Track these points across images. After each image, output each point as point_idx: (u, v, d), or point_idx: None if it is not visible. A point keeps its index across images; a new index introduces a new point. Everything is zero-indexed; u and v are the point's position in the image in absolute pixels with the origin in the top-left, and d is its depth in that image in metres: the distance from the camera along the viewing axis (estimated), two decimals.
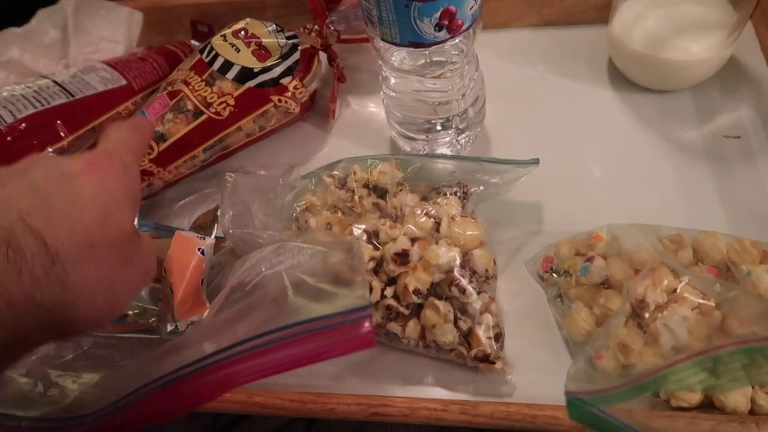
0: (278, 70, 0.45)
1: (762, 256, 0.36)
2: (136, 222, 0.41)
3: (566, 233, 0.39)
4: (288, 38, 0.46)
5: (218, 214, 0.38)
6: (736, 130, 0.44)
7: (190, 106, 0.43)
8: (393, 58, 0.40)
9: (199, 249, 0.35)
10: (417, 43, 0.36)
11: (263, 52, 0.44)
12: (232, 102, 0.44)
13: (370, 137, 0.49)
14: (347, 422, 0.36)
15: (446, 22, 0.35)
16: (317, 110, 0.51)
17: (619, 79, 0.48)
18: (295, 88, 0.45)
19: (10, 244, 0.20)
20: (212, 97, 0.44)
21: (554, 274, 0.38)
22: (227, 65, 0.44)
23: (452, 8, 0.34)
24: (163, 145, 0.43)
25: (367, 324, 0.24)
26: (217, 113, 0.44)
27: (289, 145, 0.50)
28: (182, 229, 0.37)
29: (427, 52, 0.39)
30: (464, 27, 0.36)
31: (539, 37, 0.52)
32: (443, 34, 0.35)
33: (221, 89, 0.44)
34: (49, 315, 0.21)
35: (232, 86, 0.44)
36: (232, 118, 0.44)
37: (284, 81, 0.45)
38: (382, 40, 0.37)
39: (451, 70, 0.39)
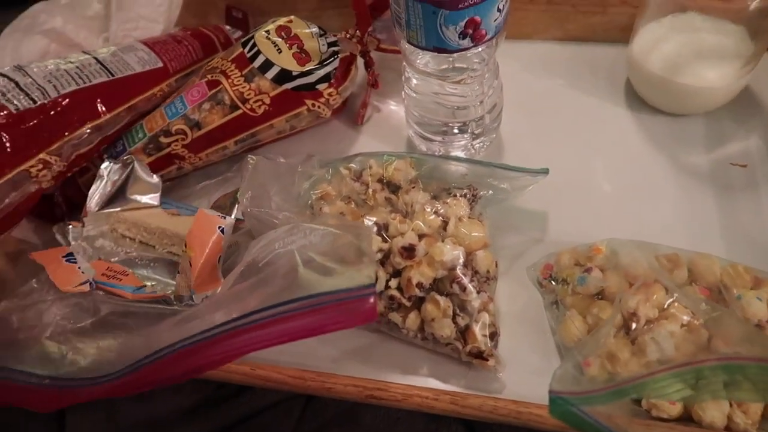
0: (316, 76, 0.46)
1: (754, 282, 0.37)
2: (158, 200, 0.43)
3: (568, 243, 0.41)
4: (329, 44, 0.47)
5: (238, 195, 0.40)
6: (744, 159, 0.45)
7: (227, 99, 0.45)
8: (417, 61, 0.41)
9: (219, 227, 0.37)
10: (441, 48, 0.37)
11: (304, 55, 0.46)
12: (267, 101, 0.45)
13: (388, 134, 0.51)
14: (341, 403, 0.38)
15: (470, 31, 0.36)
16: (348, 108, 0.53)
17: (635, 99, 0.50)
18: (329, 95, 0.47)
19: None
20: (249, 94, 0.45)
21: (553, 282, 0.40)
22: (268, 64, 0.45)
23: (477, 18, 0.36)
24: (198, 133, 0.45)
25: (371, 300, 0.26)
26: (252, 110, 0.45)
27: (313, 138, 0.51)
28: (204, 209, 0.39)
29: (450, 57, 0.41)
30: (487, 37, 0.37)
31: (561, 51, 0.54)
32: (467, 42, 0.37)
33: (259, 87, 0.45)
34: None
35: (269, 86, 0.45)
36: (265, 116, 0.46)
37: (320, 87, 0.46)
38: (408, 42, 0.39)
39: (472, 77, 0.41)
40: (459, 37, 0.37)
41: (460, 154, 0.47)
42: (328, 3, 0.56)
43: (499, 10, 0.37)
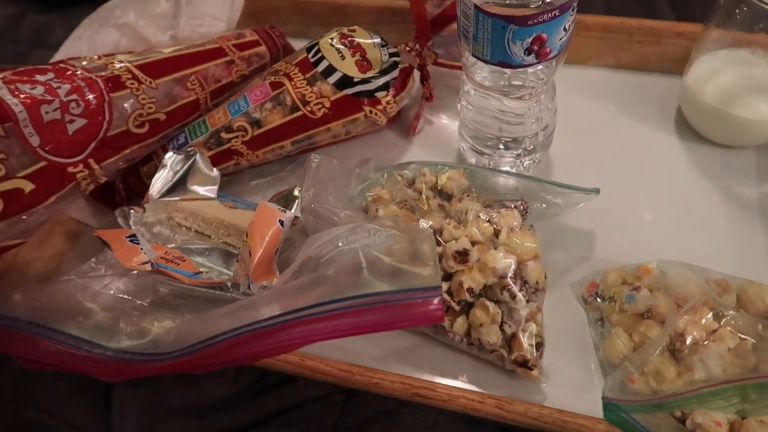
0: (375, 84, 0.47)
1: None
2: (216, 193, 0.44)
3: (614, 263, 0.41)
4: (391, 55, 0.48)
5: (295, 192, 0.41)
6: None
7: (288, 101, 0.47)
8: (477, 75, 0.43)
9: (279, 220, 0.38)
10: (505, 63, 0.39)
11: (365, 63, 0.47)
12: (327, 104, 0.47)
13: (438, 147, 0.52)
14: (382, 403, 0.38)
15: (536, 48, 0.38)
16: (401, 119, 0.54)
17: (686, 129, 0.50)
18: (387, 102, 0.48)
19: None
20: (311, 96, 0.47)
21: (598, 299, 0.40)
22: (330, 69, 0.47)
23: (544, 36, 0.37)
24: (258, 131, 0.47)
25: (436, 301, 0.27)
26: (312, 112, 0.47)
27: (365, 145, 0.53)
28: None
29: (507, 74, 0.42)
30: (551, 55, 0.38)
31: (614, 78, 0.55)
32: (531, 58, 0.38)
33: (320, 91, 0.47)
34: None
35: (330, 90, 0.47)
36: (324, 119, 0.47)
37: (379, 94, 0.48)
38: (473, 55, 0.40)
39: (530, 95, 0.42)
40: (524, 53, 0.38)
41: (510, 169, 0.48)
42: (386, 18, 0.57)
43: (565, 30, 0.38)
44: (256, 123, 0.47)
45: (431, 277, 0.29)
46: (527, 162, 0.48)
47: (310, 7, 0.59)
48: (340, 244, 0.34)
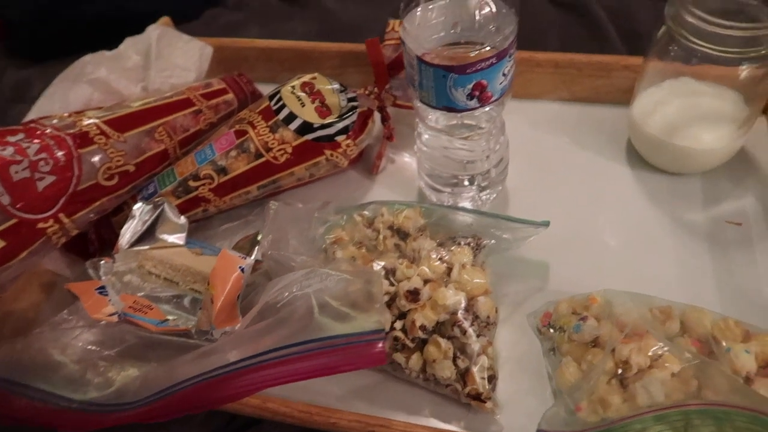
0: (335, 128, 0.50)
1: (744, 335, 0.39)
2: (184, 240, 0.46)
3: (568, 293, 0.43)
4: (349, 99, 0.51)
5: (258, 238, 0.43)
6: (739, 218, 0.47)
7: (252, 148, 0.49)
8: (429, 117, 0.45)
9: (240, 267, 0.40)
10: (450, 108, 0.41)
11: (325, 109, 0.50)
12: (290, 150, 0.49)
13: (401, 185, 0.54)
14: None
15: (477, 93, 0.40)
16: (364, 159, 0.56)
17: (636, 157, 0.52)
18: (347, 145, 0.50)
19: None
20: (273, 143, 0.49)
21: (551, 329, 0.42)
22: (291, 117, 0.49)
23: (484, 82, 0.39)
24: (224, 178, 0.49)
25: (380, 345, 0.29)
26: (275, 158, 0.49)
27: (330, 185, 0.55)
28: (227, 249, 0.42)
29: (458, 115, 0.44)
30: (493, 98, 0.41)
31: (567, 111, 0.57)
32: (474, 102, 0.40)
33: (282, 137, 0.49)
34: None
35: (292, 136, 0.49)
36: (287, 164, 0.49)
37: (339, 138, 0.50)
38: (421, 101, 0.42)
39: (479, 134, 0.44)
40: (467, 98, 0.40)
41: (468, 204, 0.50)
42: (349, 61, 0.60)
43: (504, 75, 0.40)
44: (222, 170, 0.49)
45: (375, 322, 0.30)
46: (485, 196, 0.50)
47: (277, 54, 0.62)
48: (295, 290, 0.35)
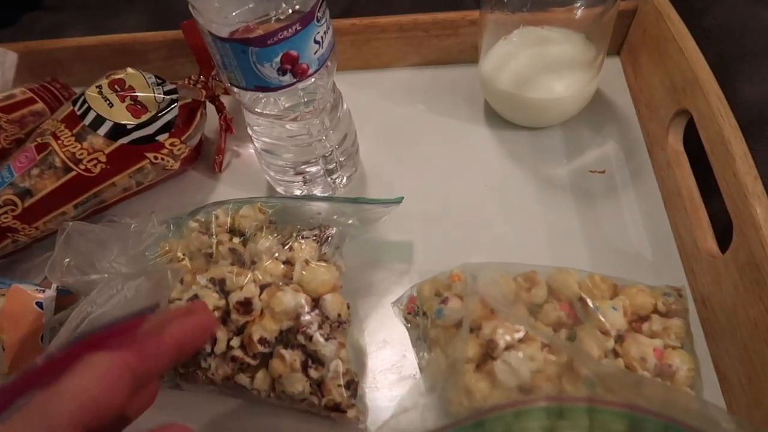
0: (154, 127, 0.43)
1: (612, 290, 0.36)
2: None
3: (435, 272, 0.39)
4: (167, 93, 0.44)
5: (47, 267, 0.36)
6: (602, 165, 0.45)
7: (58, 162, 0.42)
8: (250, 104, 0.39)
9: (36, 303, 0.34)
10: (263, 87, 0.35)
11: (139, 107, 0.43)
12: (103, 159, 0.42)
13: (249, 180, 0.48)
14: None
15: (289, 67, 0.35)
16: (204, 156, 0.50)
17: (494, 117, 0.49)
18: (172, 145, 0.44)
19: None
20: (82, 154, 0.42)
21: (416, 316, 0.38)
22: (99, 120, 0.42)
23: (293, 53, 0.34)
24: (29, 201, 0.41)
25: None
26: (87, 170, 0.42)
27: (169, 191, 0.48)
28: (20, 282, 0.35)
29: (301, 93, 0.39)
30: (311, 71, 0.36)
31: (420, 77, 0.53)
32: (288, 78, 0.35)
33: (92, 145, 0.42)
34: None
35: (103, 143, 0.42)
36: (104, 174, 0.43)
37: (161, 138, 0.43)
38: (230, 84, 0.37)
39: (309, 112, 0.39)
40: (278, 74, 0.35)
41: (321, 192, 0.45)
42: (178, 51, 0.53)
43: (317, 42, 0.35)
44: (27, 193, 0.42)
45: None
46: (338, 180, 0.45)
47: (94, 51, 0.54)
48: (90, 310, 0.30)
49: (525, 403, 0.30)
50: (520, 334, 0.33)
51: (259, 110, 0.39)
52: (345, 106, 0.43)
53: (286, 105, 0.39)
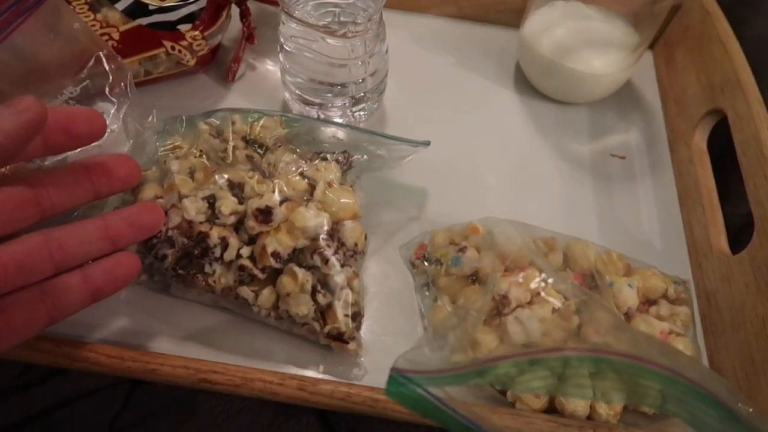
0: (178, 14, 0.40)
1: (626, 269, 0.36)
2: None
3: (445, 223, 0.38)
4: None
5: None
6: (623, 151, 0.45)
7: None
8: (297, 10, 0.37)
9: None
10: None
11: None
12: (116, 36, 0.38)
13: (262, 96, 0.46)
14: (174, 391, 0.32)
15: None
16: (217, 64, 0.47)
17: (524, 84, 0.48)
18: (193, 38, 0.41)
19: None
20: (93, 26, 0.38)
21: (426, 262, 0.37)
22: None
23: None
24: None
25: None
26: None
27: (175, 91, 0.45)
28: None
29: (337, 10, 0.37)
30: None
31: (454, 29, 0.51)
32: None
33: (107, 18, 0.38)
34: None
35: (120, 18, 0.38)
36: None
37: (182, 28, 0.40)
38: None
39: (353, 32, 0.37)
40: None
41: (339, 121, 0.43)
42: None
43: None
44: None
45: None
46: (358, 113, 0.43)
47: None
48: None
49: (528, 355, 0.30)
50: (540, 286, 0.32)
51: (301, 17, 0.37)
52: (387, 44, 0.41)
53: (316, 19, 0.37)
